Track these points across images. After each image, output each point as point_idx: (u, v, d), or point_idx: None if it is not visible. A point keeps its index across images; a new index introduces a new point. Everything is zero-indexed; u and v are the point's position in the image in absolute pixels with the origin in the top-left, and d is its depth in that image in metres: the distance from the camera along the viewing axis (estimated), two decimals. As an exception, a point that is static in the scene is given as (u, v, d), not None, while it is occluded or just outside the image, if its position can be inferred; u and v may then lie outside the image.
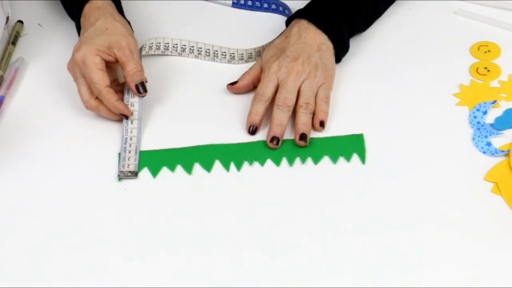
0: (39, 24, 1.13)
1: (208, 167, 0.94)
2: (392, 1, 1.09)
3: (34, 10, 1.15)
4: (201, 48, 1.06)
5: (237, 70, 1.03)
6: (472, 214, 0.87)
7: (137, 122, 0.97)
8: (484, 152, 0.93)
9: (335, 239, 0.86)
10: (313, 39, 0.99)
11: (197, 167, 0.94)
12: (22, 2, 1.16)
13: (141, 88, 0.97)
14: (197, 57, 1.06)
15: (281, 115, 0.95)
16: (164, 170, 0.94)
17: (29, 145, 0.97)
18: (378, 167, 0.93)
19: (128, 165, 0.94)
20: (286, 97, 0.95)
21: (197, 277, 0.84)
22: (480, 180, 0.90)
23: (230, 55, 1.05)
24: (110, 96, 0.95)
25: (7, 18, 1.10)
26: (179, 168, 0.94)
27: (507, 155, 0.92)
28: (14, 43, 1.09)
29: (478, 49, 1.05)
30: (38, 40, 1.11)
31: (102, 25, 0.98)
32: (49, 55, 1.08)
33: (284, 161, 0.94)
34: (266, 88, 0.97)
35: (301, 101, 0.96)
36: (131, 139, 0.96)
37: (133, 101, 0.98)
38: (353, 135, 0.95)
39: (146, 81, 0.97)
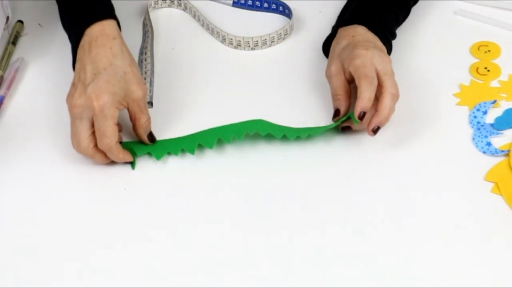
0: (39, 24, 1.13)
1: (209, 145, 0.93)
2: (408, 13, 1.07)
3: (34, 10, 1.15)
4: (208, 24, 1.09)
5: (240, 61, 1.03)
6: (472, 214, 0.87)
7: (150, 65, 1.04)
8: (484, 152, 0.93)
9: (327, 234, 0.86)
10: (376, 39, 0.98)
11: (199, 148, 0.95)
12: (22, 2, 1.16)
13: (151, 137, 0.95)
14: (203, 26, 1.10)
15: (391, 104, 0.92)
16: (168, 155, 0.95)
17: (29, 145, 0.97)
18: (377, 165, 0.93)
19: None
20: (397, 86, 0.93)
21: (192, 270, 0.84)
22: (480, 180, 0.90)
23: (237, 42, 1.07)
24: (119, 151, 0.92)
25: (7, 18, 1.10)
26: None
27: (507, 155, 0.92)
28: (14, 43, 1.09)
29: (478, 49, 1.05)
30: (38, 40, 1.11)
31: (121, 68, 0.91)
32: (49, 55, 1.08)
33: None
34: (372, 72, 0.93)
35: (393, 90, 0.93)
36: (146, 73, 1.02)
37: (145, 57, 1.05)
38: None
39: None
